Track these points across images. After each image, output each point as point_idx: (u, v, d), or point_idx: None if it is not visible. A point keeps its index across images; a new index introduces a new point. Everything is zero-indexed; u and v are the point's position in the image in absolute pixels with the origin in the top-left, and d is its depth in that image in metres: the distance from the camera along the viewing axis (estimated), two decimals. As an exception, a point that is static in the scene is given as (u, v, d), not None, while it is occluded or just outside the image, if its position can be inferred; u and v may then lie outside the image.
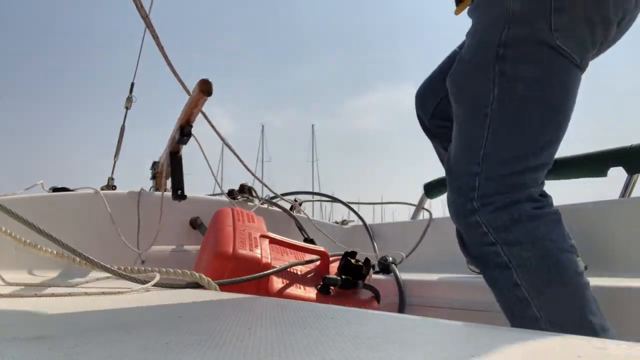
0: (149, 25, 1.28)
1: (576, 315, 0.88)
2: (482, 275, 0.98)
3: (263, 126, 43.16)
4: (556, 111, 0.96)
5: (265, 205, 1.93)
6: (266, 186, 2.11)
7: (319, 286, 1.17)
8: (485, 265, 0.96)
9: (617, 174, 1.73)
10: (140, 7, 1.24)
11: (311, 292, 1.16)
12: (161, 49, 1.31)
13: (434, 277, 1.39)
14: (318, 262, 1.25)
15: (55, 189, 1.64)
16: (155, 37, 1.30)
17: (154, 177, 1.95)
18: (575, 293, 0.90)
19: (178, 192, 1.55)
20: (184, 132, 1.47)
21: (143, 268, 0.89)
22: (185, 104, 1.39)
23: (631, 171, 1.73)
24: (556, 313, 0.89)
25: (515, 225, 0.92)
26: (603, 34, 0.97)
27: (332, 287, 1.18)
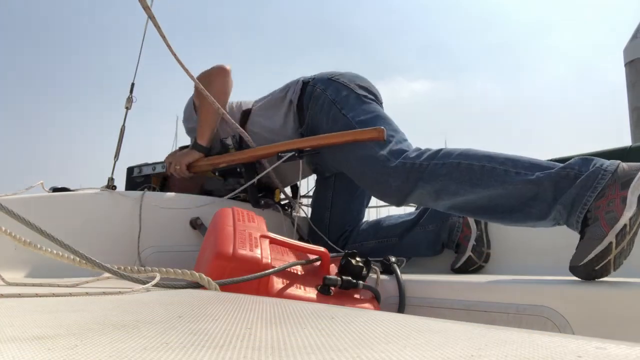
0: (151, 17, 1.27)
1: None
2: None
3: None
4: None
5: None
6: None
7: (319, 286, 1.17)
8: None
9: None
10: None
11: (311, 292, 1.16)
12: (167, 44, 1.30)
13: (434, 277, 1.39)
14: (318, 263, 1.25)
15: (55, 189, 1.64)
16: (157, 27, 1.29)
17: (164, 177, 1.96)
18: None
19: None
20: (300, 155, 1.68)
21: (143, 268, 0.89)
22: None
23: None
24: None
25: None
26: None
27: (333, 287, 1.18)
